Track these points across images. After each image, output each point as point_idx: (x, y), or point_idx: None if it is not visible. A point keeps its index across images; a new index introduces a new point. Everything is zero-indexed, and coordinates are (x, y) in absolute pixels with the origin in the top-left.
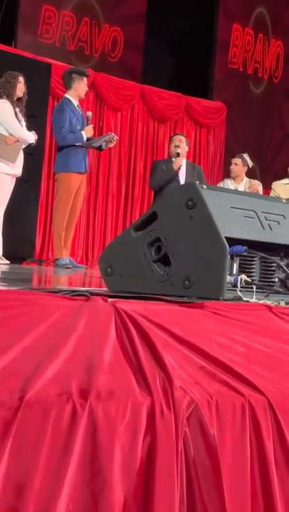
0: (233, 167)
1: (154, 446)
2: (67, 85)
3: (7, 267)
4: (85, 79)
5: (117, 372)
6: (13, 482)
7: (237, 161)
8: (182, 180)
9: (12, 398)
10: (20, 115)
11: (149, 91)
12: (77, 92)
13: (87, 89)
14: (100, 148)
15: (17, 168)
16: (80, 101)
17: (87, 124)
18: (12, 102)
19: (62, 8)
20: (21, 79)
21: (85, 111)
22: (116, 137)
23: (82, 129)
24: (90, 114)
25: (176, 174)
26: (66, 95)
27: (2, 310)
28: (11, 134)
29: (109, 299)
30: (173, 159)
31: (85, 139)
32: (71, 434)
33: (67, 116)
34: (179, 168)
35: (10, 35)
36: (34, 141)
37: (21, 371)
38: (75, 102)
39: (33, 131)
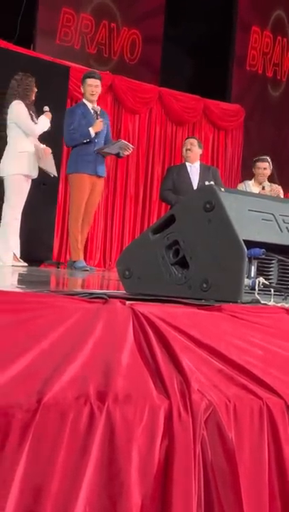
0: (262, 171)
1: (171, 450)
2: None
3: (25, 269)
4: (87, 80)
5: (134, 375)
6: (31, 485)
7: (266, 165)
8: (195, 183)
9: (30, 401)
10: (34, 116)
11: (167, 93)
12: (85, 94)
13: (94, 90)
14: (118, 155)
15: (33, 170)
16: (99, 103)
17: (97, 119)
18: (26, 104)
19: (81, 11)
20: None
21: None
22: (131, 146)
23: (103, 137)
24: (98, 108)
25: None
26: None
27: (20, 312)
28: (29, 136)
29: (127, 302)
30: (186, 164)
31: (92, 135)
32: (89, 437)
33: (75, 117)
34: None
35: (29, 38)
36: (49, 126)
37: (39, 374)
38: (90, 105)
39: (46, 112)
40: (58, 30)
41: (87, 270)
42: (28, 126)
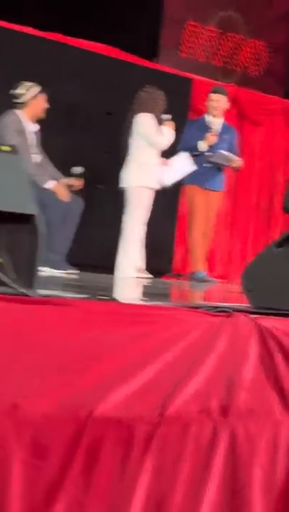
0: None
1: None
2: None
3: (148, 281)
4: (210, 95)
5: (257, 390)
6: (154, 497)
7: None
8: None
9: (152, 414)
10: (159, 129)
11: None
12: (208, 109)
13: (215, 105)
14: (233, 166)
15: (156, 181)
16: (225, 117)
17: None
18: (153, 117)
19: (206, 23)
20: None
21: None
22: (232, 157)
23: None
24: (219, 123)
25: None
26: None
27: (144, 325)
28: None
29: (251, 316)
30: None
31: (201, 148)
32: (211, 451)
33: (192, 129)
34: None
35: (153, 51)
36: (174, 137)
37: (162, 387)
38: (210, 119)
39: (167, 122)
40: (183, 43)
41: (208, 282)
42: (155, 140)
